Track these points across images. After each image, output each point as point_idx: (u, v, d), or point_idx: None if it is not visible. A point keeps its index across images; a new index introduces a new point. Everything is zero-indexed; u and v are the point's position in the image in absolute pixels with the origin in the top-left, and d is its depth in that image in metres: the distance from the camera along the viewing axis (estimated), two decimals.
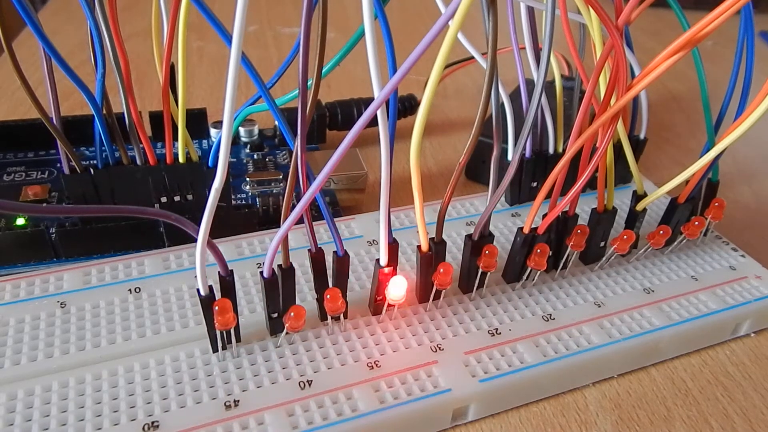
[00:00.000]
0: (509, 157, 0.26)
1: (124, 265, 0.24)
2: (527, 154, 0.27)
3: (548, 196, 0.22)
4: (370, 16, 0.16)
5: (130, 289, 0.23)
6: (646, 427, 0.21)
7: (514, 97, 0.27)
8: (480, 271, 0.22)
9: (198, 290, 0.19)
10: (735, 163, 0.37)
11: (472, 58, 0.25)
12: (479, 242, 0.22)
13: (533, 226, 0.23)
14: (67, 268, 0.24)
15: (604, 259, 0.25)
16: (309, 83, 0.17)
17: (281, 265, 0.20)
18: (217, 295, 0.19)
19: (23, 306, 0.22)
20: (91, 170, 0.24)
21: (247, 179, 0.30)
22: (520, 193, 0.29)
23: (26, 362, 0.20)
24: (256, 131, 0.33)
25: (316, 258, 0.21)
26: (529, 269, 0.23)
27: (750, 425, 0.21)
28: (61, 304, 0.22)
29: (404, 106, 0.37)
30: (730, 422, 0.21)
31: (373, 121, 0.17)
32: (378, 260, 0.21)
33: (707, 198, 0.26)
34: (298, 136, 0.18)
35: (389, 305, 0.22)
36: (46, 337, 0.21)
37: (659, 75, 0.19)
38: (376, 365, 0.20)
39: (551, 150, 0.28)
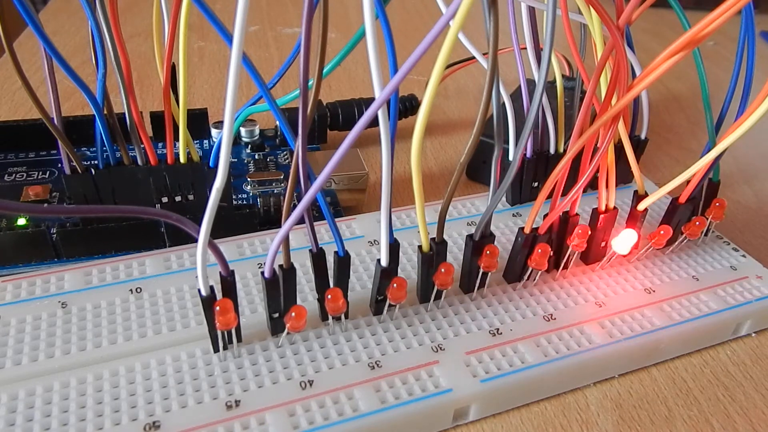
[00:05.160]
0: (510, 157, 0.26)
1: (125, 265, 0.24)
2: (528, 154, 0.27)
3: (549, 196, 0.22)
4: (371, 16, 0.16)
5: (131, 289, 0.23)
6: (647, 427, 0.21)
7: (515, 97, 0.27)
8: (481, 271, 0.22)
9: (199, 290, 0.19)
10: (736, 163, 0.37)
11: (473, 58, 0.25)
12: (480, 242, 0.22)
13: (534, 226, 0.23)
14: (68, 268, 0.24)
15: (605, 259, 0.25)
16: (310, 83, 0.17)
17: (282, 265, 0.20)
18: (219, 295, 0.19)
19: (24, 306, 0.22)
20: (92, 170, 0.24)
21: (248, 179, 0.30)
22: (521, 193, 0.29)
23: (27, 362, 0.20)
24: (257, 131, 0.33)
25: (317, 258, 0.21)
26: (530, 269, 0.23)
27: (751, 425, 0.21)
28: (63, 304, 0.22)
29: (405, 107, 0.37)
30: (731, 422, 0.21)
31: (374, 122, 0.17)
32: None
33: (708, 198, 0.26)
34: (299, 136, 0.18)
35: (390, 305, 0.22)
36: (47, 337, 0.21)
37: (660, 75, 0.19)
38: (377, 365, 0.20)
39: (552, 150, 0.28)
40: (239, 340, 0.21)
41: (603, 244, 0.25)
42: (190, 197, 0.26)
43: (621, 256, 0.25)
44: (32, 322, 0.21)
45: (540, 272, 0.24)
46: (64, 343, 0.21)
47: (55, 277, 0.23)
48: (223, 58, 0.48)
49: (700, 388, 0.22)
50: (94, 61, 0.22)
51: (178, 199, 0.26)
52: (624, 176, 0.30)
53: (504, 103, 0.25)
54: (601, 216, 0.24)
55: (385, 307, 0.22)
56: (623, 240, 0.24)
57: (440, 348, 0.21)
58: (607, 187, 0.23)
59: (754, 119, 0.20)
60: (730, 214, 0.26)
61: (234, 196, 0.29)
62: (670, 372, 0.23)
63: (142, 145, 0.24)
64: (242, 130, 0.33)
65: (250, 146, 0.33)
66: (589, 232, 0.23)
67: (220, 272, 0.19)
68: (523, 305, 0.23)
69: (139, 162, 0.24)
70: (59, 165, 0.30)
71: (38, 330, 0.21)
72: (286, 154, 0.33)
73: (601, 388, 0.22)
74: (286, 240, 0.19)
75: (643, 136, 0.29)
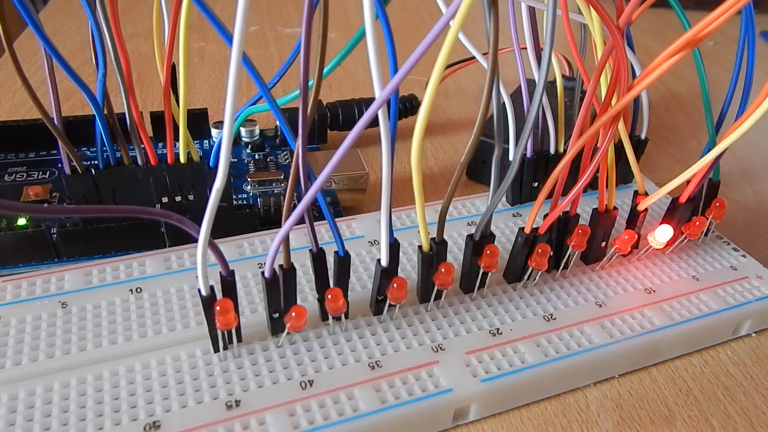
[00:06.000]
0: (510, 157, 0.26)
1: (125, 265, 0.24)
2: (528, 154, 0.27)
3: (549, 196, 0.22)
4: (371, 16, 0.16)
5: (131, 289, 0.23)
6: (647, 427, 0.21)
7: (515, 97, 0.27)
8: (481, 271, 0.22)
9: (199, 290, 0.19)
10: (736, 163, 0.37)
11: (473, 58, 0.25)
12: (480, 242, 0.22)
13: (534, 226, 0.23)
14: (68, 268, 0.24)
15: (605, 259, 0.25)
16: (310, 83, 0.17)
17: (282, 265, 0.20)
18: (219, 295, 0.19)
19: (25, 306, 0.22)
20: (92, 170, 0.24)
21: (248, 179, 0.30)
22: (521, 193, 0.29)
23: (27, 362, 0.20)
24: (257, 131, 0.33)
25: (318, 258, 0.21)
26: (530, 269, 0.23)
27: (751, 425, 0.21)
28: (63, 304, 0.22)
29: (405, 107, 0.37)
30: (731, 422, 0.21)
31: (375, 121, 0.17)
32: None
33: (708, 198, 0.26)
34: (299, 136, 0.18)
35: (390, 305, 0.22)
36: (47, 337, 0.21)
37: (660, 75, 0.19)
38: (378, 365, 0.20)
39: (552, 150, 0.28)
40: (239, 340, 0.21)
41: (603, 244, 0.25)
42: (190, 197, 0.26)
43: (621, 256, 0.25)
44: (32, 322, 0.21)
45: (540, 272, 0.24)
46: (64, 343, 0.21)
47: (55, 277, 0.23)
48: (223, 58, 0.48)
49: (701, 388, 0.22)
50: (94, 61, 0.22)
51: (178, 199, 0.26)
52: (624, 176, 0.30)
53: (504, 103, 0.25)
54: (601, 216, 0.24)
55: (385, 307, 0.22)
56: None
57: (440, 348, 0.21)
58: (607, 187, 0.23)
59: (754, 119, 0.20)
60: (730, 214, 0.26)
61: (234, 196, 0.29)
62: (670, 372, 0.23)
63: (142, 145, 0.24)
64: (242, 130, 0.33)
65: (250, 146, 0.33)
66: (590, 232, 0.23)
67: (220, 272, 0.19)
68: (523, 305, 0.23)
69: (140, 162, 0.24)
70: (59, 165, 0.30)
71: (38, 330, 0.21)
72: (287, 154, 0.33)
73: (602, 388, 0.22)
74: (286, 240, 0.19)
75: (643, 136, 0.29)
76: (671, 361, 0.23)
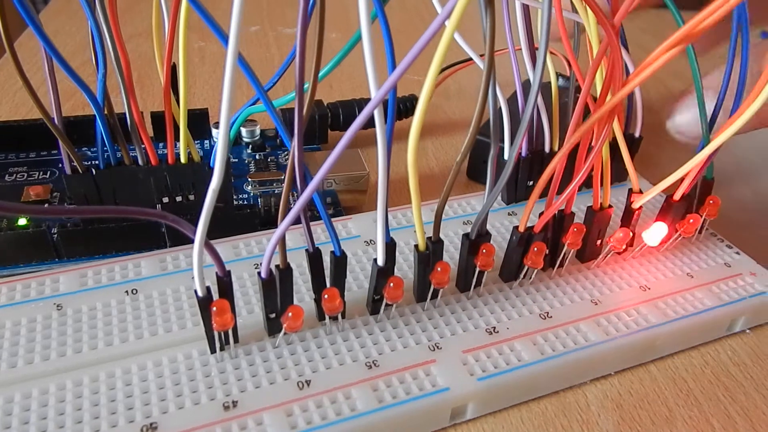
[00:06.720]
0: (506, 157, 0.26)
1: (120, 266, 0.24)
2: (523, 153, 0.27)
3: (543, 194, 0.22)
4: (366, 16, 0.16)
5: (127, 291, 0.23)
6: (647, 427, 0.21)
7: (513, 97, 0.27)
8: (477, 269, 0.22)
9: (196, 291, 0.19)
10: (730, 160, 0.37)
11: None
12: (476, 241, 0.22)
13: (530, 224, 0.23)
14: (63, 270, 0.24)
15: (600, 257, 0.25)
16: (306, 86, 0.17)
17: (279, 265, 0.20)
18: (215, 296, 0.19)
19: (19, 308, 0.22)
20: (93, 170, 0.24)
21: (249, 179, 0.30)
22: (517, 192, 0.29)
23: (23, 365, 0.20)
24: (257, 131, 0.33)
25: (314, 258, 0.21)
26: (525, 268, 0.23)
27: (752, 425, 0.21)
28: (58, 306, 0.22)
29: (405, 107, 0.37)
30: (732, 422, 0.21)
31: (374, 122, 0.17)
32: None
33: (702, 196, 0.26)
34: (295, 137, 0.18)
35: (387, 304, 0.22)
36: (42, 339, 0.21)
37: (655, 70, 0.19)
38: (375, 365, 0.21)
39: (547, 149, 0.28)
40: (236, 340, 0.21)
41: (598, 242, 0.25)
42: (191, 197, 0.26)
43: (616, 254, 0.25)
44: (27, 324, 0.21)
45: (536, 270, 0.24)
46: (59, 346, 0.21)
47: (50, 279, 0.23)
48: (224, 58, 0.48)
49: (701, 389, 0.22)
50: (94, 61, 0.22)
51: (178, 199, 0.26)
52: (619, 174, 0.30)
53: (500, 103, 0.25)
54: (596, 214, 0.24)
55: (382, 307, 0.22)
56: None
57: (437, 347, 0.21)
58: (601, 185, 0.23)
59: (747, 116, 0.20)
60: (723, 211, 0.26)
61: (235, 196, 0.29)
62: (670, 372, 0.23)
63: (143, 145, 0.24)
64: (243, 131, 0.33)
65: (251, 146, 0.33)
66: (585, 231, 0.23)
67: (216, 273, 0.19)
68: (519, 303, 0.23)
69: (140, 162, 0.24)
70: (60, 165, 0.30)
71: (33, 332, 0.21)
72: (287, 155, 0.33)
73: (602, 388, 0.22)
74: (282, 240, 0.19)
75: (637, 134, 0.29)
76: (671, 362, 0.23)
